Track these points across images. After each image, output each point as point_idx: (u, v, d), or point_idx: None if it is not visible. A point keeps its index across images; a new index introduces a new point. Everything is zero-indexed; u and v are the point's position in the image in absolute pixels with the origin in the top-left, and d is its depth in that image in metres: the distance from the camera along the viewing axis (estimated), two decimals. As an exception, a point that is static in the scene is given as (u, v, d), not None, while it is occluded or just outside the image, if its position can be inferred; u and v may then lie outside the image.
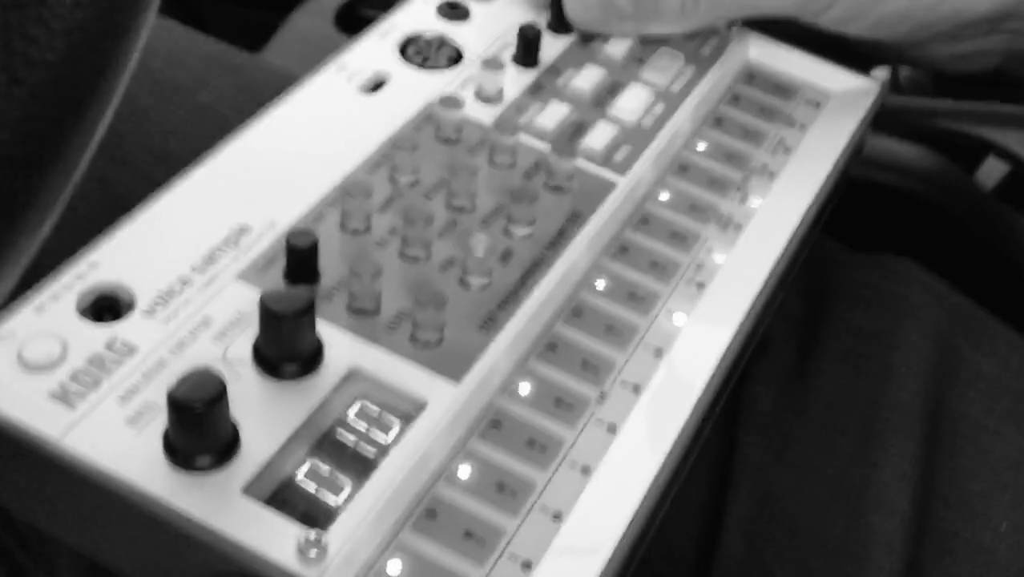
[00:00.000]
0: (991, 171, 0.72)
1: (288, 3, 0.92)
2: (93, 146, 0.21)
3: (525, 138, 0.42)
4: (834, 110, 0.47)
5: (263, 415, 0.32)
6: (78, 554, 0.41)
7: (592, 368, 0.36)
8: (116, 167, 0.47)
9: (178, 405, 0.29)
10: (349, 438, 0.32)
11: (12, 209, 0.20)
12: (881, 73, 0.50)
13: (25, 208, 0.20)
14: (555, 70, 0.45)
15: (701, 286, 0.39)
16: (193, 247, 0.36)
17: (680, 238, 0.41)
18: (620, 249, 0.40)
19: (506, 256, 0.37)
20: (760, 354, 0.45)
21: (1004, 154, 0.70)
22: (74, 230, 0.34)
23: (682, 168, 0.43)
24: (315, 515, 0.30)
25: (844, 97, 0.47)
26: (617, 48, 0.46)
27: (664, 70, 0.46)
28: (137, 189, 0.36)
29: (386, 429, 0.32)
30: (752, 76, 0.48)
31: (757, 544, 0.41)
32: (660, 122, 0.44)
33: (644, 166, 0.42)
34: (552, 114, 0.42)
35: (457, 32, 0.46)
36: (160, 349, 0.33)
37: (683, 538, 0.42)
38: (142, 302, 0.34)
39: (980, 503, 0.43)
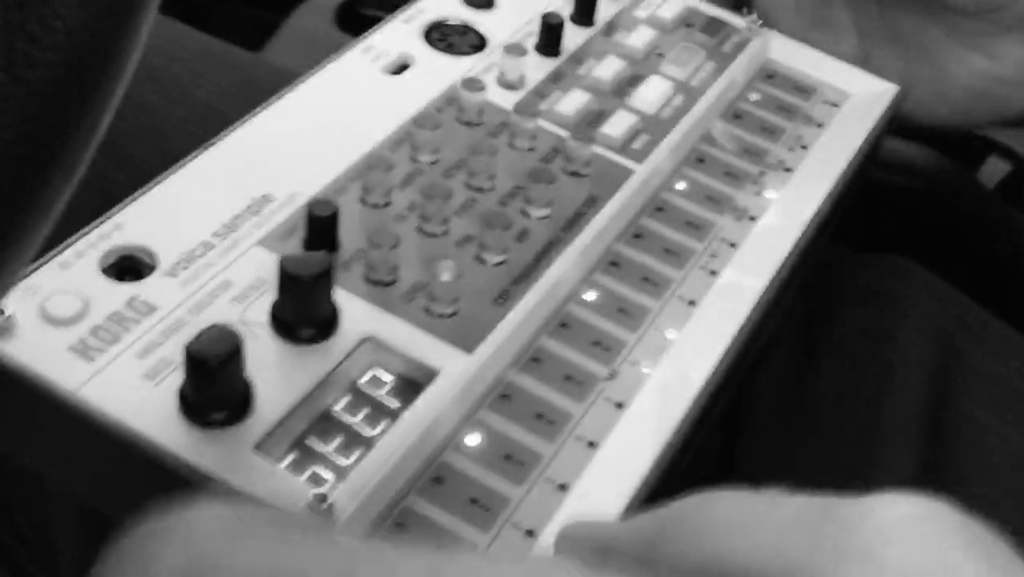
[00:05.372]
0: (993, 171, 0.72)
1: (289, 2, 0.92)
2: (95, 145, 0.22)
3: (544, 123, 0.42)
4: (852, 110, 0.47)
5: (277, 376, 0.32)
6: (79, 554, 0.42)
7: (603, 347, 0.36)
8: (116, 165, 0.47)
9: (194, 358, 0.29)
10: (361, 403, 0.33)
11: (13, 209, 0.20)
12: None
13: (27, 208, 0.20)
14: (576, 60, 0.45)
15: (714, 273, 0.39)
16: (216, 213, 0.36)
17: (694, 227, 0.41)
18: (635, 235, 0.40)
19: (522, 235, 0.38)
20: (762, 355, 0.45)
21: (1006, 153, 0.70)
22: (75, 229, 0.35)
23: (699, 159, 0.44)
24: (324, 475, 0.31)
25: (862, 98, 0.48)
26: (638, 41, 0.46)
27: (684, 64, 0.46)
28: (137, 187, 0.37)
29: (398, 395, 0.33)
30: (772, 74, 0.49)
31: None
32: (679, 114, 0.44)
33: (661, 155, 0.42)
34: (572, 101, 0.43)
35: (481, 20, 0.46)
36: (179, 309, 0.33)
37: None
38: (164, 264, 0.34)
39: (981, 505, 0.43)
